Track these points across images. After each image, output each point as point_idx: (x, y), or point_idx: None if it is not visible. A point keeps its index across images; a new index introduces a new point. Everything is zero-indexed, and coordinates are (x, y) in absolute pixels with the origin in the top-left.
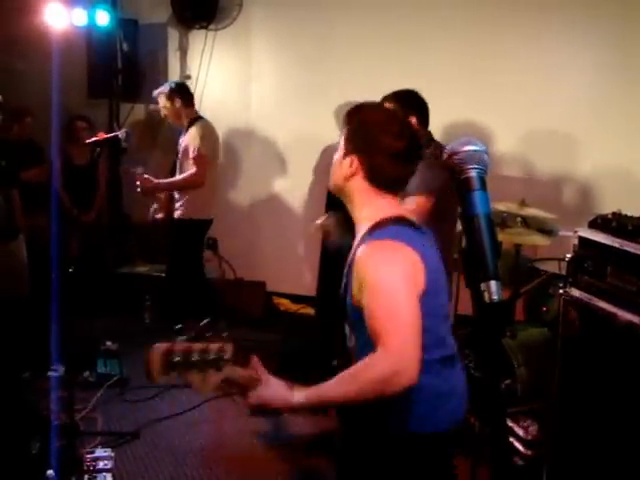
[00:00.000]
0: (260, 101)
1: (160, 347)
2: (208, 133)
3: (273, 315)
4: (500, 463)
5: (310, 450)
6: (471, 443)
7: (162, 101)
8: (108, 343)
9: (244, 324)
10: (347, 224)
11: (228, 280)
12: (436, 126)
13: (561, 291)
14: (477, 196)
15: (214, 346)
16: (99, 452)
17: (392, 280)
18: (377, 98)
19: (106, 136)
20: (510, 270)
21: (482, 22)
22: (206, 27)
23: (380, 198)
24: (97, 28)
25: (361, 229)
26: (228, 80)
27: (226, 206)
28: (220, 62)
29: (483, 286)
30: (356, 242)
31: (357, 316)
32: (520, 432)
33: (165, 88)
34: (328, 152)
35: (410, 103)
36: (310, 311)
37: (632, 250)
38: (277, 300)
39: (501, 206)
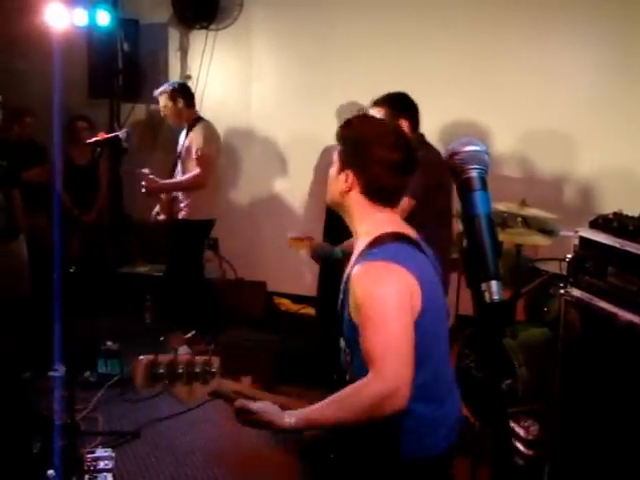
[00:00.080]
0: (261, 101)
1: (145, 359)
2: (211, 134)
3: (274, 315)
4: (501, 463)
5: (310, 450)
6: (471, 443)
7: (163, 101)
8: (109, 343)
9: (244, 324)
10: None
11: (229, 280)
12: (437, 126)
13: (562, 291)
14: (478, 196)
15: (200, 359)
16: (100, 452)
17: (385, 304)
18: None
19: (107, 136)
20: (511, 270)
21: (483, 22)
22: (207, 27)
23: (378, 212)
24: (98, 28)
25: (360, 245)
26: (229, 80)
27: (227, 206)
28: (221, 62)
29: (484, 286)
30: (354, 257)
31: (353, 333)
32: (521, 432)
33: (167, 88)
34: (328, 152)
35: (401, 106)
36: (311, 311)
37: (633, 250)
38: (278, 300)
39: (502, 206)
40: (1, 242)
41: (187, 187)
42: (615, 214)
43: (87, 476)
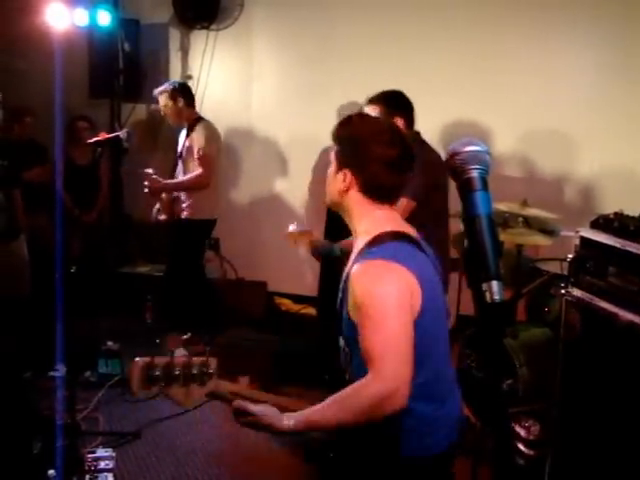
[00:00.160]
0: (261, 101)
1: (140, 361)
2: (212, 134)
3: (274, 315)
4: (502, 463)
5: (317, 451)
6: (472, 443)
7: (163, 100)
8: (109, 343)
9: (245, 324)
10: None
11: (229, 280)
12: (437, 126)
13: (563, 291)
14: (479, 196)
15: (197, 360)
16: (100, 452)
17: (385, 303)
18: None
19: (107, 136)
20: (512, 270)
21: (483, 22)
22: (207, 27)
23: (377, 210)
24: (98, 28)
25: (359, 243)
26: (229, 80)
27: (227, 206)
28: (221, 62)
29: (485, 286)
30: (353, 256)
31: (352, 332)
32: (522, 432)
33: (167, 87)
34: (329, 152)
35: (396, 104)
36: (312, 311)
37: (634, 250)
38: (278, 300)
39: (503, 206)
40: (2, 242)
41: (190, 187)
42: (616, 214)
43: (88, 476)
